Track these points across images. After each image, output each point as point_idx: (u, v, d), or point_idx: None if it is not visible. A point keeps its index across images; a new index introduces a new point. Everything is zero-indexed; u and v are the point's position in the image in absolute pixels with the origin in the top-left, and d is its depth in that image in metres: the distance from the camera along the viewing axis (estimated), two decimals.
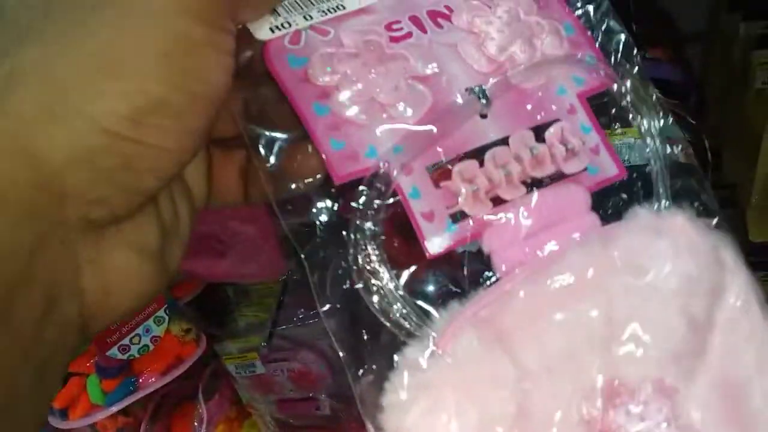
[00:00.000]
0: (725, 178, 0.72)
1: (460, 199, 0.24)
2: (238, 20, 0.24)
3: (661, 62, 0.70)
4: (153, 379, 0.67)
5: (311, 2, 0.26)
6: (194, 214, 0.28)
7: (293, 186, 0.24)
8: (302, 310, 0.76)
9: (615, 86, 0.27)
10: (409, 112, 0.24)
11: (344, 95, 0.24)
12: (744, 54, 0.69)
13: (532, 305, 0.23)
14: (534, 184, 0.25)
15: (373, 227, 0.23)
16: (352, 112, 0.24)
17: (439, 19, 0.26)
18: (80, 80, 0.21)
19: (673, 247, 0.24)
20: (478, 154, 0.25)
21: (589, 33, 0.28)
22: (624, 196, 0.26)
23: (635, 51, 0.28)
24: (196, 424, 0.77)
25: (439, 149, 0.24)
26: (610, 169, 0.27)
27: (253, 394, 0.81)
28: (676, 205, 0.26)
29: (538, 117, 0.26)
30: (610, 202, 0.26)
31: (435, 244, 0.24)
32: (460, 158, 0.25)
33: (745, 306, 0.24)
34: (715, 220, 0.26)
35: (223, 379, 0.81)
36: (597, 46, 0.28)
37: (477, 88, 0.25)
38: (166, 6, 0.21)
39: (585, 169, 0.26)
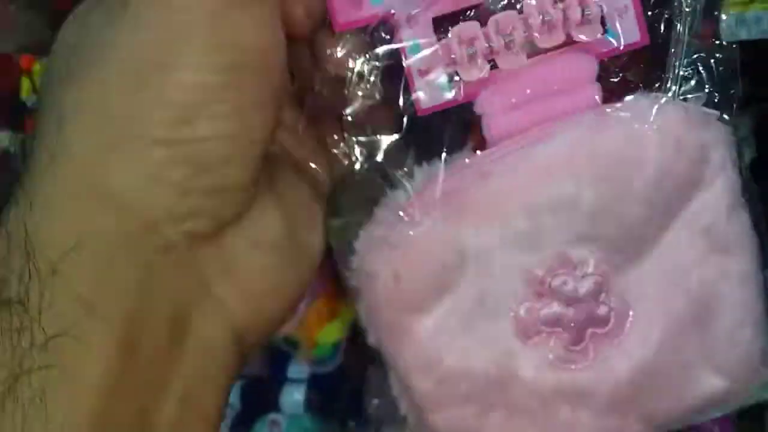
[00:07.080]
0: None
1: (456, 60, 0.24)
2: None
3: None
4: None
5: None
6: (321, 195, 0.26)
7: None
8: None
9: None
10: None
11: None
12: None
13: (505, 186, 0.24)
14: (538, 53, 0.24)
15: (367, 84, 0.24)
16: None
17: None
18: (120, 100, 0.20)
19: (658, 142, 0.24)
20: (484, 15, 0.24)
21: None
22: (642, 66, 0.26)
23: None
24: None
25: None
26: (630, 35, 0.25)
27: None
28: (688, 91, 0.25)
29: None
30: (630, 71, 0.26)
31: (426, 101, 0.24)
32: (465, 17, 0.24)
33: (716, 204, 0.25)
34: (717, 114, 0.25)
35: None
36: None
37: None
38: None
39: (603, 33, 0.25)
